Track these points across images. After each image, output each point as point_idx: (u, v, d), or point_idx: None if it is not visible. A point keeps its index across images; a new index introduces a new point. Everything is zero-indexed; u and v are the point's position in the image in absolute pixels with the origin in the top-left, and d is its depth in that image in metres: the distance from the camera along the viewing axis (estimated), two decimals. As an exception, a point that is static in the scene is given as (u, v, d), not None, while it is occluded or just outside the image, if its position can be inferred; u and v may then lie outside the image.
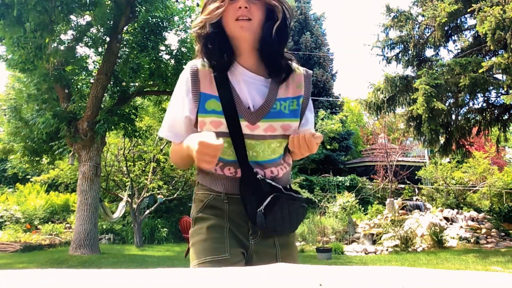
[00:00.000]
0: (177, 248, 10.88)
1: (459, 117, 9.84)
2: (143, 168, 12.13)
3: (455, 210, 11.12)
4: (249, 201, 1.20)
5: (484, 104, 9.82)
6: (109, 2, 8.49)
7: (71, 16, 7.80)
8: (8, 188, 15.54)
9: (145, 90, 9.94)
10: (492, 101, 9.74)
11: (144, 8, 8.63)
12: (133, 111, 9.41)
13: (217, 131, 1.16)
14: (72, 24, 8.59)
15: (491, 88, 8.82)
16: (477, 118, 9.83)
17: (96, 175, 8.56)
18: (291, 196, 1.22)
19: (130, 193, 11.40)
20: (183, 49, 9.23)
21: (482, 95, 9.52)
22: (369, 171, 16.40)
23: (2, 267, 6.96)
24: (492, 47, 7.43)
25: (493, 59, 7.62)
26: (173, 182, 12.98)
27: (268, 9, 1.19)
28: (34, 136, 9.24)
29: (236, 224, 1.23)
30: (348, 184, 15.52)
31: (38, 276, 0.60)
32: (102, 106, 8.82)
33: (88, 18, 8.87)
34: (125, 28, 8.79)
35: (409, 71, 9.98)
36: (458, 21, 9.41)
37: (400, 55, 9.81)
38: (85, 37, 9.25)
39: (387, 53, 9.86)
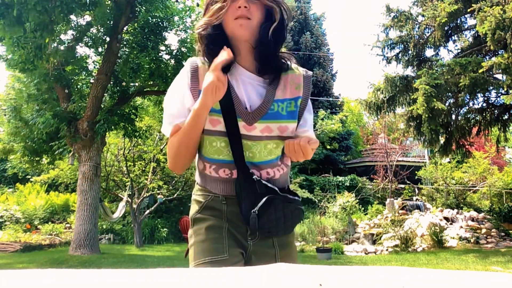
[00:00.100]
0: (177, 248, 10.87)
1: (459, 117, 9.84)
2: (143, 168, 12.13)
3: (455, 210, 11.11)
4: (244, 202, 1.19)
5: (484, 104, 9.82)
6: (109, 2, 8.49)
7: (71, 16, 7.80)
8: (8, 188, 15.54)
9: (145, 90, 9.93)
10: (492, 101, 9.74)
11: (144, 8, 8.63)
12: (133, 111, 9.41)
13: (214, 130, 1.18)
14: (72, 24, 8.60)
15: (491, 88, 8.82)
16: (477, 118, 9.83)
17: (96, 175, 8.56)
18: (286, 198, 1.22)
19: (130, 193, 11.40)
20: (183, 49, 9.23)
21: (482, 95, 9.52)
22: (369, 171, 16.40)
23: (2, 267, 6.96)
24: (492, 47, 7.43)
25: (493, 59, 7.62)
26: (173, 182, 12.98)
27: (267, 9, 1.20)
28: (34, 136, 9.24)
29: (234, 224, 1.23)
30: (348, 184, 15.52)
31: (38, 276, 0.60)
32: (102, 106, 8.82)
33: (88, 18, 8.87)
34: (125, 28, 8.79)
35: (409, 71, 9.99)
36: (458, 21, 9.41)
37: (400, 55, 9.81)
38: (85, 37, 9.25)
39: (387, 53, 9.86)
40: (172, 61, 9.29)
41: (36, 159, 10.43)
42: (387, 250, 9.48)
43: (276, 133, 1.21)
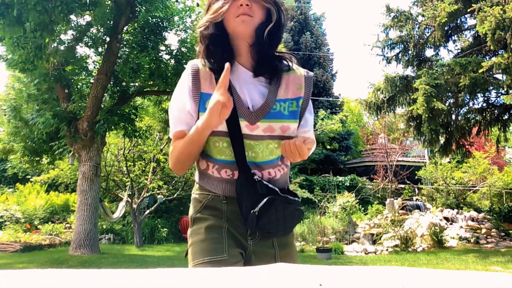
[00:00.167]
0: (177, 248, 10.87)
1: (459, 117, 9.84)
2: (143, 168, 12.13)
3: (455, 210, 11.12)
4: (245, 202, 1.19)
5: (484, 104, 9.82)
6: (109, 2, 8.49)
7: (71, 16, 7.80)
8: (8, 188, 15.54)
9: (145, 90, 9.93)
10: (492, 101, 9.74)
11: (144, 8, 8.63)
12: (133, 111, 9.41)
13: (216, 130, 1.18)
14: (72, 24, 8.59)
15: (491, 88, 8.82)
16: (477, 118, 9.83)
17: (96, 175, 8.56)
18: (287, 199, 1.22)
19: (130, 193, 11.40)
20: (183, 49, 9.22)
21: (482, 95, 9.52)
22: (369, 171, 16.40)
23: (2, 267, 6.97)
24: (492, 47, 7.43)
25: (493, 59, 7.62)
26: (173, 182, 12.98)
27: (267, 10, 1.21)
28: (34, 136, 9.24)
29: (234, 224, 1.23)
30: (348, 184, 15.52)
31: (38, 276, 0.60)
32: (102, 106, 8.82)
33: (88, 18, 8.87)
34: (125, 28, 8.79)
35: (409, 71, 10.00)
36: (458, 21, 9.41)
37: (400, 55, 9.81)
38: (85, 37, 9.25)
39: (387, 53, 9.86)
40: (172, 61, 9.28)
41: (36, 159, 10.43)
42: (387, 250, 9.48)
43: (278, 133, 1.21)
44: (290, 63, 1.29)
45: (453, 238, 9.64)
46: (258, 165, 1.23)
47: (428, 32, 9.38)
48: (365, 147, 22.41)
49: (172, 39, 49.72)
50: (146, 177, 12.02)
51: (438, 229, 9.41)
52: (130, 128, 9.20)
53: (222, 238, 1.20)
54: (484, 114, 9.74)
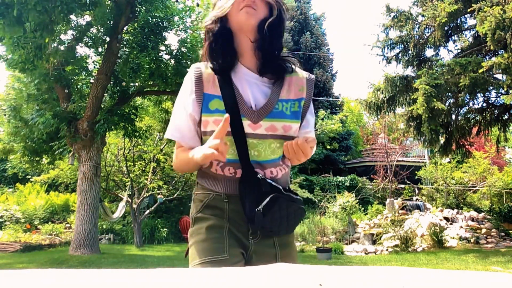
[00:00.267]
0: (177, 248, 10.87)
1: (459, 117, 9.84)
2: (143, 168, 12.13)
3: (455, 210, 11.12)
4: (248, 200, 1.19)
5: (484, 104, 9.81)
6: (109, 2, 8.48)
7: (71, 16, 7.79)
8: (8, 188, 15.54)
9: (145, 90, 9.93)
10: (492, 101, 9.74)
11: (144, 8, 8.62)
12: (133, 111, 9.40)
13: None
14: (72, 24, 8.59)
15: (491, 88, 8.82)
16: (477, 118, 9.83)
17: (96, 175, 8.56)
18: (290, 197, 1.22)
19: (130, 193, 11.40)
20: (183, 49, 9.22)
21: (482, 95, 9.52)
22: (369, 171, 16.41)
23: (2, 267, 6.97)
24: (492, 47, 7.43)
25: (493, 59, 7.62)
26: (173, 182, 12.98)
27: (269, 8, 1.23)
28: (34, 136, 9.24)
29: (236, 223, 1.23)
30: (348, 184, 15.53)
31: (38, 276, 0.60)
32: (102, 106, 8.82)
33: (88, 18, 8.87)
34: (125, 28, 8.79)
35: (409, 71, 10.00)
36: (458, 21, 9.41)
37: (400, 55, 9.81)
38: (85, 37, 9.24)
39: (387, 53, 9.86)
40: (172, 61, 9.28)
41: (36, 159, 10.43)
42: (387, 250, 9.48)
43: (280, 132, 1.23)
44: (293, 66, 1.31)
45: (453, 238, 9.64)
46: (261, 164, 1.24)
47: (428, 32, 9.38)
48: (365, 147, 22.42)
49: (172, 39, 49.74)
50: (146, 177, 12.02)
51: (438, 229, 9.41)
52: (130, 128, 9.20)
53: (223, 238, 1.21)
54: (484, 114, 9.74)
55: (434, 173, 13.74)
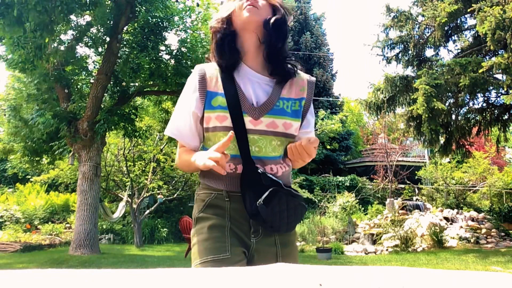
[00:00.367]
0: (177, 248, 10.88)
1: (459, 117, 9.84)
2: (143, 168, 12.13)
3: (455, 210, 11.11)
4: (248, 195, 1.21)
5: (484, 104, 9.81)
6: (109, 2, 8.48)
7: (71, 16, 7.79)
8: (8, 188, 15.54)
9: (145, 90, 9.93)
10: (492, 101, 9.74)
11: (144, 8, 8.62)
12: (133, 111, 9.40)
13: (221, 125, 1.24)
14: (72, 24, 8.59)
15: (491, 88, 8.82)
16: (477, 118, 9.83)
17: (96, 175, 8.56)
18: (290, 192, 1.24)
19: (130, 193, 11.40)
20: (183, 49, 9.22)
21: (482, 95, 9.52)
22: (369, 171, 16.41)
23: (2, 267, 6.97)
24: (492, 47, 7.43)
25: (493, 59, 7.62)
26: (173, 182, 12.98)
27: (273, 10, 1.30)
28: (34, 136, 9.24)
29: (237, 222, 1.25)
30: (348, 184, 15.53)
31: (38, 276, 0.60)
32: (102, 106, 8.82)
33: (88, 18, 8.86)
34: (125, 28, 8.78)
35: (409, 71, 10.00)
36: (458, 21, 9.41)
37: (400, 55, 9.81)
38: (85, 37, 9.24)
39: (387, 53, 9.86)
40: (172, 61, 9.27)
41: (36, 159, 10.43)
42: (387, 250, 9.49)
43: (281, 129, 1.25)
44: (295, 68, 1.34)
45: (453, 238, 9.64)
46: (261, 160, 1.25)
47: (428, 32, 9.38)
48: (365, 147, 22.42)
49: (172, 39, 49.73)
50: (146, 177, 12.02)
51: (438, 229, 9.41)
52: (130, 128, 9.20)
53: (224, 237, 1.22)
54: (484, 114, 9.74)
55: (434, 173, 13.74)
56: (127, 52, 9.09)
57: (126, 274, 0.62)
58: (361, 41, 36.85)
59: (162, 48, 9.16)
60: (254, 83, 1.28)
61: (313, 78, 1.39)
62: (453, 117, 9.71)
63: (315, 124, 14.62)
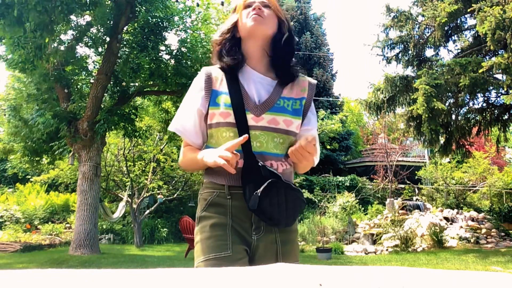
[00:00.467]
0: (177, 248, 10.88)
1: (459, 117, 9.84)
2: (143, 168, 12.13)
3: (455, 210, 11.11)
4: (248, 187, 1.24)
5: (484, 104, 9.81)
6: (109, 2, 8.48)
7: (71, 16, 7.79)
8: (8, 188, 15.54)
9: (145, 90, 9.93)
10: (492, 101, 9.74)
11: (144, 8, 8.62)
12: (133, 111, 9.40)
13: (224, 122, 1.29)
14: (72, 24, 8.58)
15: (491, 88, 8.82)
16: (477, 118, 9.83)
17: (96, 175, 8.55)
18: (289, 185, 1.27)
19: (130, 193, 11.40)
20: (183, 49, 9.21)
21: (482, 95, 9.52)
22: (369, 171, 16.40)
23: (2, 267, 6.97)
24: (492, 47, 7.43)
25: (493, 59, 7.62)
26: (173, 182, 12.98)
27: (278, 23, 1.37)
28: (34, 136, 9.23)
29: (239, 220, 1.28)
30: (348, 184, 15.52)
31: (38, 276, 0.60)
32: (102, 106, 8.81)
33: (88, 18, 8.86)
34: (125, 28, 8.78)
35: (409, 71, 10.00)
36: (458, 21, 9.41)
37: (400, 55, 9.81)
38: (85, 37, 9.24)
39: (387, 53, 9.86)
40: (172, 61, 9.27)
41: (36, 159, 10.43)
42: (387, 250, 9.49)
43: (282, 126, 1.30)
44: (298, 72, 1.41)
45: (453, 238, 9.64)
46: (262, 155, 1.29)
47: (428, 32, 9.38)
48: (365, 147, 22.41)
49: (172, 39, 49.64)
50: (146, 177, 12.02)
51: (438, 229, 9.41)
52: (130, 128, 9.20)
53: (226, 235, 1.25)
54: (484, 114, 9.74)
55: (434, 173, 13.74)
56: (127, 52, 9.09)
57: (126, 274, 0.62)
58: (361, 41, 36.88)
59: (162, 48, 9.16)
60: (257, 83, 1.34)
61: (315, 81, 1.45)
62: (453, 117, 9.71)
63: (315, 124, 14.56)
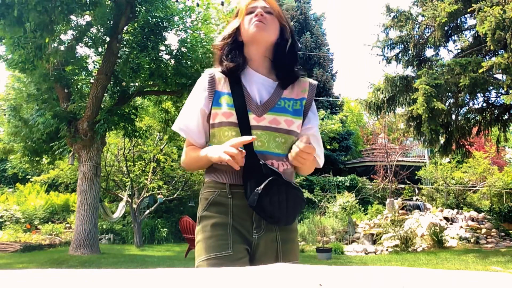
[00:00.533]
0: (177, 248, 10.88)
1: (459, 117, 9.84)
2: (143, 168, 12.13)
3: (455, 210, 11.11)
4: (250, 184, 1.25)
5: (484, 104, 9.81)
6: (109, 2, 8.47)
7: (71, 16, 7.79)
8: (8, 188, 15.53)
9: (145, 90, 9.92)
10: (492, 101, 9.74)
11: (144, 8, 8.61)
12: (133, 111, 9.40)
13: (227, 121, 1.31)
14: (72, 24, 8.58)
15: (491, 88, 8.82)
16: (477, 118, 9.83)
17: (96, 175, 8.55)
18: (290, 184, 1.28)
19: (130, 193, 11.40)
20: (183, 49, 9.21)
21: (482, 95, 9.51)
22: (369, 171, 16.40)
23: (2, 267, 6.97)
24: (492, 47, 7.43)
25: (493, 59, 7.62)
26: (173, 182, 12.98)
27: (281, 29, 1.39)
28: (34, 136, 9.23)
29: (240, 219, 1.29)
30: (348, 184, 15.51)
31: (38, 276, 0.60)
32: (102, 106, 8.81)
33: (88, 18, 8.85)
34: (125, 28, 8.78)
35: (409, 71, 9.99)
36: (458, 21, 9.41)
37: (400, 55, 9.80)
38: (85, 37, 9.23)
39: (387, 53, 9.86)
40: (172, 61, 9.27)
41: (36, 159, 10.42)
42: (387, 250, 9.48)
43: (283, 126, 1.33)
44: (299, 74, 1.44)
45: (453, 238, 9.64)
46: (263, 154, 1.31)
47: (428, 32, 9.38)
48: (365, 147, 22.41)
49: (172, 39, 49.63)
50: (146, 177, 12.02)
51: (438, 229, 9.41)
52: (130, 128, 9.20)
53: (227, 234, 1.26)
54: (484, 114, 9.73)
55: (434, 173, 13.74)
56: (127, 52, 9.08)
57: (126, 274, 0.62)
58: (361, 41, 36.88)
59: (162, 48, 9.16)
60: (258, 85, 1.37)
61: (315, 82, 1.47)
62: (453, 117, 9.71)
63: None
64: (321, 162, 1.44)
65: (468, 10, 7.99)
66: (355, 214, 11.99)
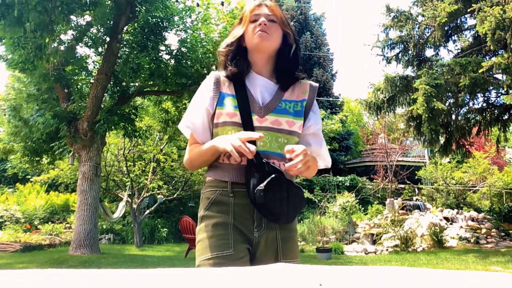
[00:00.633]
0: (177, 248, 10.88)
1: (459, 117, 9.84)
2: (143, 168, 12.13)
3: (455, 210, 11.11)
4: (252, 180, 1.27)
5: (484, 104, 9.81)
6: (109, 2, 8.47)
7: (71, 16, 7.78)
8: (8, 188, 15.53)
9: (145, 90, 9.92)
10: (492, 101, 9.74)
11: (144, 8, 8.62)
12: (133, 111, 9.40)
13: (231, 121, 1.35)
14: (72, 24, 8.57)
15: (491, 88, 8.82)
16: (477, 118, 9.83)
17: (96, 175, 8.55)
18: (291, 182, 1.30)
19: (130, 193, 11.40)
20: (183, 49, 9.21)
21: (482, 95, 9.51)
22: (369, 171, 16.40)
23: (2, 267, 6.96)
24: (492, 47, 7.43)
25: (493, 59, 7.62)
26: (173, 182, 12.98)
27: (284, 36, 1.43)
28: (34, 136, 9.23)
29: (241, 218, 1.31)
30: (348, 184, 15.51)
31: (38, 276, 0.60)
32: (102, 106, 8.81)
33: (88, 18, 8.85)
34: (125, 28, 8.78)
35: (409, 71, 9.99)
36: (458, 21, 9.40)
37: (400, 55, 9.80)
38: (85, 37, 9.23)
39: (387, 53, 9.86)
40: (172, 61, 9.27)
41: (36, 159, 10.42)
42: (387, 250, 9.48)
43: (284, 127, 1.36)
44: (300, 77, 1.48)
45: (453, 238, 9.64)
46: (265, 154, 1.33)
47: (428, 32, 9.37)
48: (365, 147, 22.40)
49: (172, 39, 49.62)
50: (146, 177, 12.01)
51: (438, 229, 9.41)
52: (130, 128, 9.20)
53: (228, 234, 1.28)
54: (484, 114, 9.73)
55: (434, 173, 13.74)
56: (127, 52, 9.08)
57: (126, 274, 0.62)
58: (361, 41, 36.89)
59: (162, 48, 9.16)
60: (261, 87, 1.41)
61: (316, 84, 1.51)
62: (453, 117, 9.71)
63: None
64: (326, 162, 1.48)
65: (468, 10, 7.99)
66: (355, 214, 11.99)
